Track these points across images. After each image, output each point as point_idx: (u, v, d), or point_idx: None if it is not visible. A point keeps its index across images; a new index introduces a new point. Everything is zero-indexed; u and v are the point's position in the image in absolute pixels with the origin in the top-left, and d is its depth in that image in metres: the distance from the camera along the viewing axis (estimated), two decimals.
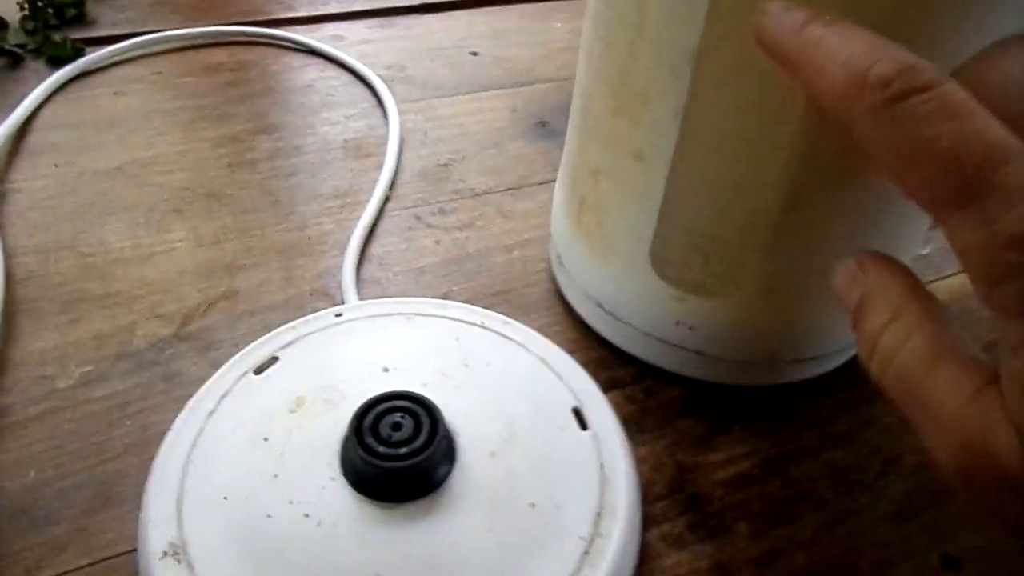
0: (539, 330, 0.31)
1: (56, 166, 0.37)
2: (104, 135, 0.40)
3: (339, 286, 0.32)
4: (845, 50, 0.16)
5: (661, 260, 0.26)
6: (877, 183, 0.22)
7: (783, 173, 0.22)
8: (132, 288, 0.31)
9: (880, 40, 0.16)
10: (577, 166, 0.28)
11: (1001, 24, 0.20)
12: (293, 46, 0.49)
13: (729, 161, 0.22)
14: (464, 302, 0.32)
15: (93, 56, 0.45)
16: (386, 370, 0.26)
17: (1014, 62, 0.17)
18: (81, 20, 0.49)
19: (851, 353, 0.29)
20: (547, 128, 0.43)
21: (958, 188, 0.14)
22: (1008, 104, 0.16)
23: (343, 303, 0.31)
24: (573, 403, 0.25)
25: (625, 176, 0.25)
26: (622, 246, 0.27)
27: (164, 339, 0.29)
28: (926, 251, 0.35)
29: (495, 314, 0.29)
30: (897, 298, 0.17)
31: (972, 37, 0.19)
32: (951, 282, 0.34)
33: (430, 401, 0.23)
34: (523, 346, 0.27)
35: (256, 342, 0.27)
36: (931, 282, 0.35)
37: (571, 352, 0.29)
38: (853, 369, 0.29)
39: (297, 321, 0.27)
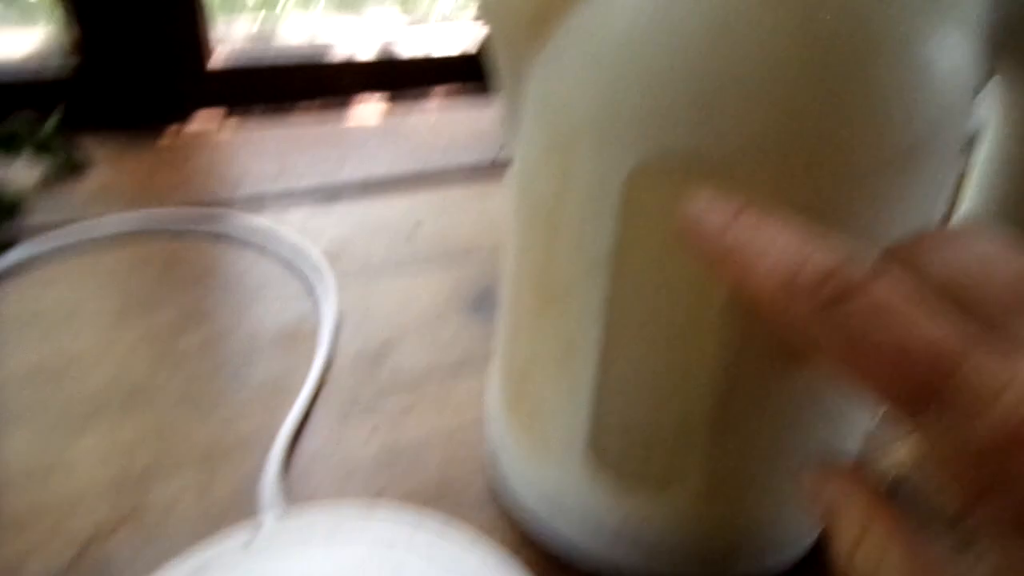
0: (480, 528, 0.29)
1: None
2: (24, 333, 0.38)
3: (260, 495, 0.29)
4: (774, 250, 0.15)
5: (598, 456, 0.24)
6: (811, 375, 0.21)
7: (713, 369, 0.21)
8: (30, 510, 0.28)
9: (809, 236, 0.15)
10: (508, 359, 0.27)
11: (923, 201, 0.20)
12: (228, 232, 0.49)
13: (657, 358, 0.21)
14: (397, 501, 0.30)
15: (22, 249, 0.44)
16: None
17: (972, 247, 0.17)
18: (14, 214, 0.48)
19: (810, 541, 0.27)
20: (483, 309, 0.43)
21: (917, 390, 0.14)
22: (963, 289, 0.15)
23: (264, 514, 0.28)
24: None
25: (554, 372, 0.24)
26: (557, 443, 0.25)
27: (59, 570, 0.26)
28: None
29: (427, 523, 0.26)
30: (863, 512, 0.16)
31: (897, 216, 0.19)
32: None
33: None
34: (461, 554, 0.25)
35: (159, 573, 0.24)
36: None
37: (513, 556, 0.27)
38: (815, 556, 0.27)
39: (209, 545, 0.25)
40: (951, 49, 0.18)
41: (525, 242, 0.24)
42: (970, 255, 0.16)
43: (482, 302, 0.43)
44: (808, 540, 0.26)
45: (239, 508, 0.29)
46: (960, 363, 0.13)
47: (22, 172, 0.52)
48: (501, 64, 0.23)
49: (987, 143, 0.26)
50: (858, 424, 0.24)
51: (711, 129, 0.18)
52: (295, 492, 0.30)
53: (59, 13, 0.59)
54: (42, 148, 0.53)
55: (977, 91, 0.20)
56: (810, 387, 0.22)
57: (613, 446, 0.23)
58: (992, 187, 0.25)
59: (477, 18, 0.22)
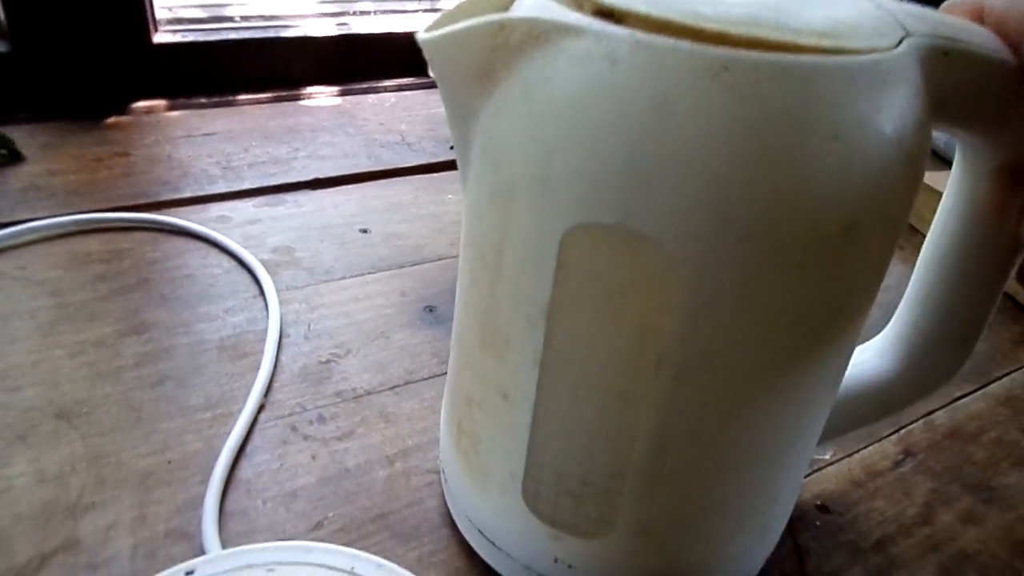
0: (421, 560, 0.29)
1: None
2: None
3: (199, 523, 0.29)
4: None
5: (533, 497, 0.24)
6: (751, 434, 0.22)
7: (647, 426, 0.21)
8: None
9: None
10: (455, 390, 0.27)
11: (863, 274, 0.20)
12: (173, 230, 0.48)
13: (591, 412, 0.22)
14: (339, 531, 0.30)
15: None
16: None
17: None
18: None
19: None
20: (435, 313, 0.43)
21: None
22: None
23: (202, 546, 0.28)
24: None
25: (494, 411, 0.24)
26: (496, 478, 0.25)
27: None
28: (827, 455, 0.36)
29: (367, 556, 0.26)
30: None
31: (835, 290, 0.20)
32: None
33: None
34: None
35: None
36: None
37: None
38: None
39: None
40: (891, 130, 0.18)
41: (471, 282, 0.24)
42: None
43: (431, 312, 0.43)
44: None
45: (176, 539, 0.28)
46: None
47: None
48: (449, 110, 0.22)
49: (944, 200, 0.26)
50: (789, 471, 0.25)
51: (645, 200, 0.18)
52: (233, 523, 0.29)
53: None
54: None
55: (920, 165, 0.20)
56: (751, 437, 0.22)
57: (546, 491, 0.24)
58: (947, 244, 0.26)
59: (429, 66, 0.22)
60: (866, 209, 0.19)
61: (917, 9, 0.22)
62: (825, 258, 0.19)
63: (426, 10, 0.78)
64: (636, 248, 0.19)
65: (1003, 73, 0.22)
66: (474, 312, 0.24)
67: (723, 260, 0.18)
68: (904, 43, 0.20)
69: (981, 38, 0.22)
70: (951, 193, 0.26)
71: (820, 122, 0.18)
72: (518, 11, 0.21)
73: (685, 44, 0.17)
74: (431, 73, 0.22)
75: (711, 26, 0.18)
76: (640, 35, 0.18)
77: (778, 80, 0.17)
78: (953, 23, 0.22)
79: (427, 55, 0.21)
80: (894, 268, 0.24)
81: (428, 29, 0.21)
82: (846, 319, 0.22)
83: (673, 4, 0.18)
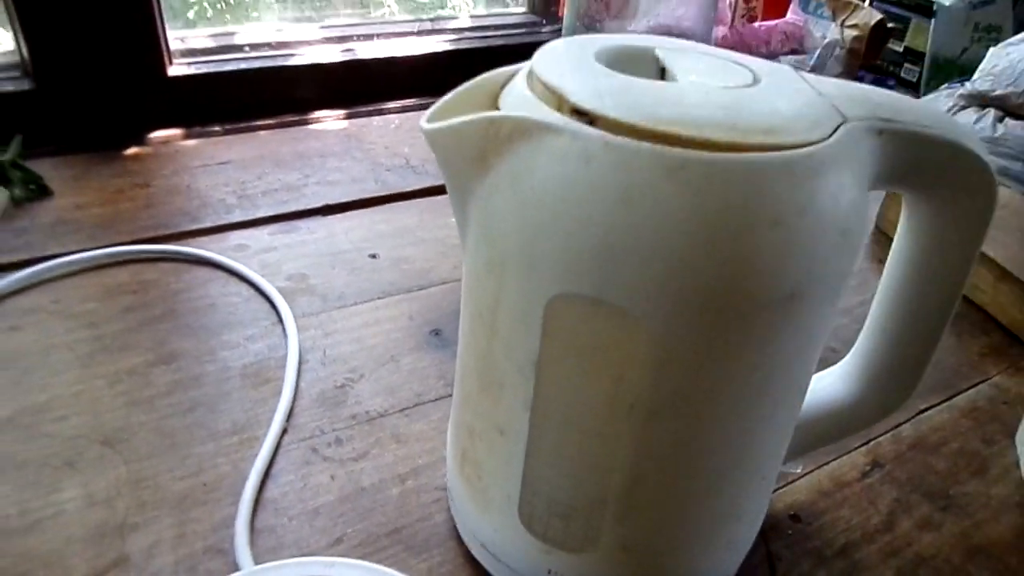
0: (431, 571, 0.32)
1: None
2: None
3: (233, 540, 0.32)
4: None
5: (528, 518, 0.28)
6: (713, 465, 0.25)
7: (623, 459, 0.24)
8: (15, 564, 0.31)
9: None
10: (459, 422, 0.31)
11: (807, 332, 0.23)
12: (195, 260, 0.51)
13: (574, 447, 0.25)
14: (357, 546, 0.33)
15: None
16: None
17: None
18: None
19: None
20: (441, 337, 0.46)
21: None
22: None
23: (236, 561, 0.31)
24: None
25: (493, 443, 0.28)
26: (496, 500, 0.29)
27: None
28: (798, 470, 0.39)
29: (383, 570, 0.30)
30: None
31: (783, 347, 0.23)
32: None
33: None
34: None
35: None
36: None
37: None
38: None
39: None
40: (827, 212, 0.21)
41: (471, 332, 0.27)
42: None
43: (436, 335, 0.46)
44: None
45: (212, 555, 0.32)
46: None
47: None
48: (449, 186, 0.26)
49: (894, 245, 0.30)
50: (753, 491, 0.28)
51: (615, 276, 0.21)
52: (263, 540, 0.33)
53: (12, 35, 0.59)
54: (0, 179, 0.54)
55: (856, 234, 0.23)
56: (713, 467, 0.25)
57: (539, 513, 0.27)
58: (897, 284, 0.29)
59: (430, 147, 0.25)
60: (804, 280, 0.22)
61: (859, 92, 0.25)
62: (772, 320, 0.22)
63: (427, 32, 0.81)
64: (609, 314, 0.22)
65: (935, 147, 0.25)
66: (474, 358, 0.28)
67: (682, 324, 0.21)
68: (840, 129, 0.23)
69: (914, 116, 0.25)
70: (900, 238, 0.29)
71: (762, 211, 0.21)
72: (506, 107, 0.24)
73: (647, 145, 0.21)
74: (432, 152, 0.25)
75: (669, 129, 0.21)
76: (609, 137, 0.21)
77: (726, 176, 0.21)
78: (892, 103, 0.25)
79: (429, 141, 0.25)
80: (872, 285, 0.27)
81: (429, 119, 0.24)
82: (798, 364, 0.25)
83: (638, 107, 0.21)
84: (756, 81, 0.24)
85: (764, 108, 0.22)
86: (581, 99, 0.22)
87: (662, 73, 0.26)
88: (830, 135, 0.22)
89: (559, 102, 0.22)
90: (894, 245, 0.30)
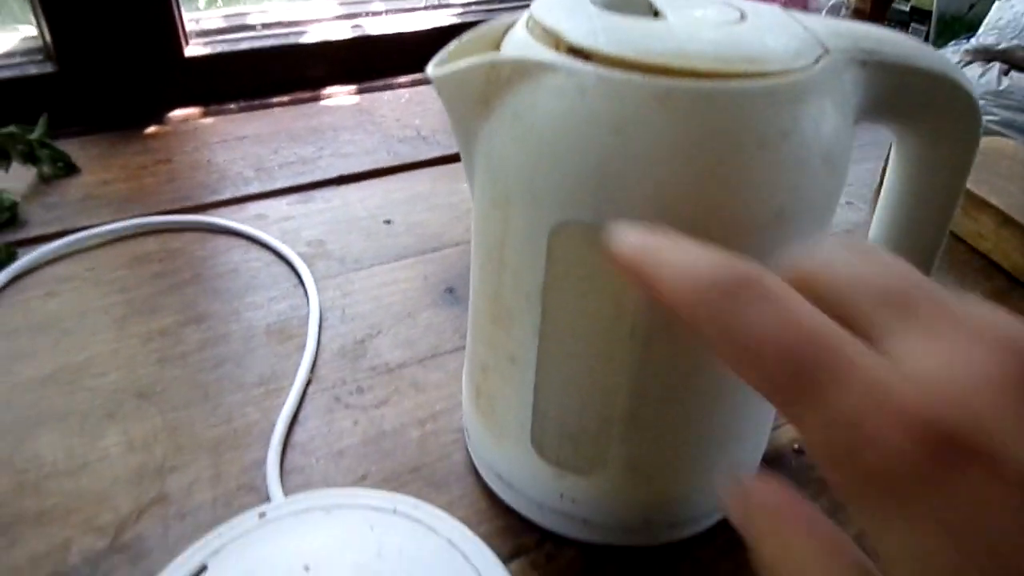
0: (451, 503, 0.34)
1: None
2: (38, 340, 0.42)
3: (264, 478, 0.35)
4: (682, 261, 0.17)
5: (540, 444, 0.29)
6: (710, 386, 0.27)
7: (626, 381, 0.26)
8: (67, 502, 0.33)
9: (712, 250, 0.17)
10: (472, 358, 0.33)
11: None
12: (218, 229, 0.53)
13: (581, 371, 0.27)
14: (381, 482, 0.35)
15: (26, 258, 0.48)
16: (307, 568, 0.28)
17: (830, 265, 0.18)
18: (13, 223, 0.52)
19: (718, 515, 0.33)
20: (454, 294, 0.48)
21: (796, 379, 0.15)
22: (832, 305, 0.17)
23: (268, 496, 0.34)
24: None
25: (505, 374, 0.30)
26: (510, 430, 0.31)
27: (99, 552, 0.31)
28: None
29: (406, 498, 0.32)
30: (769, 512, 0.17)
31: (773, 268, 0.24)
32: None
33: None
34: (432, 529, 0.30)
35: (185, 552, 0.29)
36: None
37: (480, 522, 0.33)
38: (726, 523, 0.33)
39: (224, 526, 0.30)
40: (809, 136, 0.23)
41: (481, 270, 0.29)
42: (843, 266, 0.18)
43: (451, 293, 0.48)
44: (716, 514, 0.32)
45: (246, 491, 0.34)
46: (833, 345, 0.15)
47: (13, 182, 0.56)
48: (455, 130, 0.27)
49: (885, 184, 0.31)
50: (751, 414, 0.30)
51: (610, 201, 0.23)
52: (292, 478, 0.35)
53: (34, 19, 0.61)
54: (29, 158, 0.56)
55: (839, 160, 0.24)
56: (711, 388, 0.27)
57: (550, 438, 0.29)
58: (888, 220, 0.31)
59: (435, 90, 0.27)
60: (790, 200, 0.23)
61: (845, 27, 0.26)
62: (762, 242, 0.24)
63: (434, 6, 0.82)
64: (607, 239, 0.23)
65: (918, 77, 0.26)
66: (485, 294, 0.29)
67: None
68: (822, 60, 0.24)
69: (897, 47, 0.26)
70: (891, 172, 0.31)
71: (746, 134, 0.22)
72: (508, 49, 0.26)
73: (637, 76, 0.22)
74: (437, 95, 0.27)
75: (658, 60, 0.22)
76: (602, 71, 0.22)
77: (712, 102, 0.22)
78: (876, 36, 0.26)
79: (435, 86, 0.26)
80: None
81: (436, 65, 0.26)
82: None
83: (630, 43, 0.23)
84: (743, 18, 0.26)
85: (750, 41, 0.24)
86: (576, 38, 0.23)
87: (655, 14, 0.27)
88: (813, 64, 0.24)
89: (556, 42, 0.24)
90: (885, 181, 0.31)
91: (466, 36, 0.27)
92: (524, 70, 0.24)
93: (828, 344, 0.15)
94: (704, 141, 0.22)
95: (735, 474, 0.18)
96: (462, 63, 0.25)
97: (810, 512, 0.16)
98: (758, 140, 0.22)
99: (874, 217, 0.32)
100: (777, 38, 0.24)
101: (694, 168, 0.22)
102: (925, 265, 0.31)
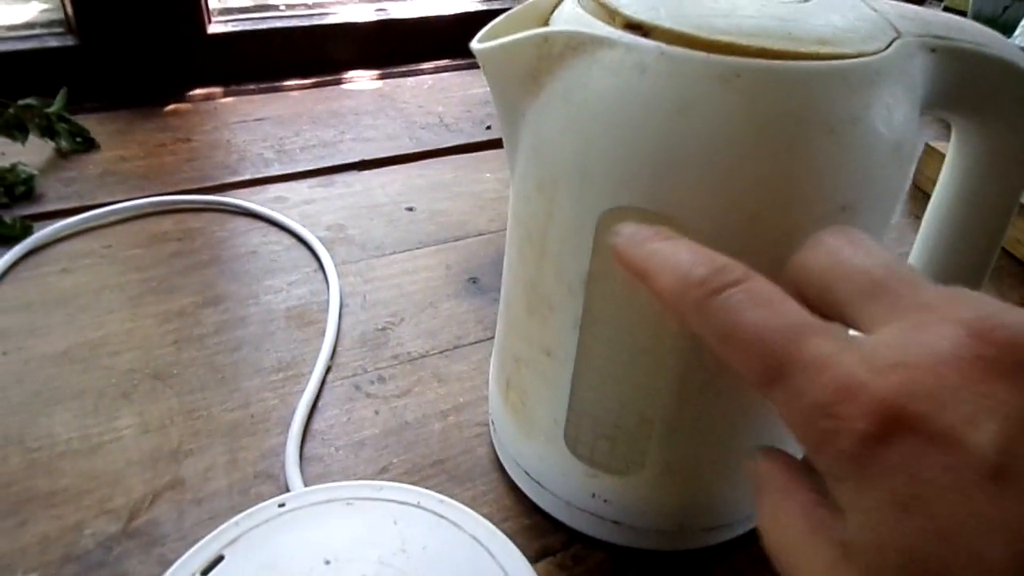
0: (475, 499, 0.33)
1: (4, 353, 0.39)
2: (53, 316, 0.41)
3: (283, 466, 0.33)
4: (673, 258, 0.19)
5: (573, 441, 0.28)
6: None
7: (669, 379, 0.25)
8: (79, 483, 0.32)
9: (701, 248, 0.19)
10: (503, 350, 0.31)
11: None
12: (237, 211, 0.52)
13: (623, 366, 0.25)
14: (403, 475, 0.34)
15: (42, 233, 0.47)
16: (328, 562, 0.27)
17: (819, 254, 0.19)
18: (30, 196, 0.51)
19: (753, 522, 0.31)
20: (478, 285, 0.47)
21: (770, 366, 0.16)
22: (820, 292, 0.18)
23: (287, 485, 0.33)
24: None
25: (539, 367, 0.28)
26: (541, 426, 0.29)
27: (111, 536, 0.30)
28: None
29: (430, 493, 0.31)
30: (780, 483, 0.19)
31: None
32: None
33: None
34: (457, 525, 0.29)
35: (202, 540, 0.28)
36: None
37: (504, 520, 0.31)
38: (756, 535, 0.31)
39: (241, 515, 0.29)
40: (880, 124, 0.21)
41: (519, 257, 0.28)
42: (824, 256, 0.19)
43: (474, 283, 0.47)
44: (751, 521, 0.31)
45: (264, 479, 0.33)
46: (808, 337, 0.16)
47: (30, 155, 0.55)
48: (499, 109, 0.26)
49: (939, 183, 0.29)
50: None
51: (668, 186, 0.21)
52: (311, 467, 0.34)
53: None
54: (47, 131, 0.55)
55: (908, 150, 0.23)
56: (749, 390, 0.26)
57: (584, 436, 0.27)
58: (944, 224, 0.29)
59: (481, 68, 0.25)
60: (857, 192, 0.22)
61: (912, 10, 0.25)
62: None
63: None
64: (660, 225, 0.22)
65: (988, 66, 0.25)
66: (521, 282, 0.28)
67: (734, 237, 0.22)
68: (894, 44, 0.23)
69: (968, 34, 0.25)
70: (948, 168, 0.29)
71: (816, 119, 0.21)
72: (558, 24, 0.24)
73: (702, 55, 0.21)
74: (484, 78, 0.26)
75: (724, 38, 0.21)
76: (664, 47, 0.21)
77: (780, 84, 0.21)
78: (944, 22, 0.25)
79: (480, 62, 0.25)
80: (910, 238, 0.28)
81: (481, 39, 0.25)
82: None
83: (692, 18, 0.22)
84: None
85: (819, 20, 0.22)
86: (635, 11, 0.22)
87: None
88: (885, 48, 0.22)
89: (611, 16, 0.23)
90: (941, 176, 0.30)
91: (512, 11, 0.26)
92: (578, 44, 0.22)
93: (796, 335, 0.16)
94: (771, 125, 0.21)
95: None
96: (510, 37, 0.23)
97: (801, 484, 0.18)
98: (827, 126, 0.21)
99: (923, 219, 0.30)
100: (846, 18, 0.23)
101: (759, 154, 0.21)
102: (982, 268, 0.30)
